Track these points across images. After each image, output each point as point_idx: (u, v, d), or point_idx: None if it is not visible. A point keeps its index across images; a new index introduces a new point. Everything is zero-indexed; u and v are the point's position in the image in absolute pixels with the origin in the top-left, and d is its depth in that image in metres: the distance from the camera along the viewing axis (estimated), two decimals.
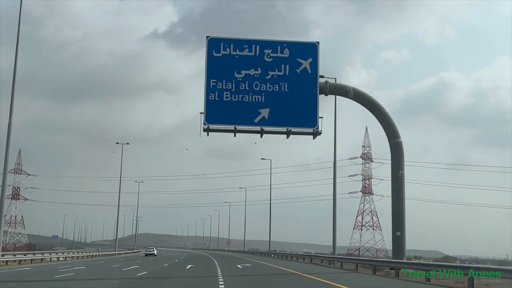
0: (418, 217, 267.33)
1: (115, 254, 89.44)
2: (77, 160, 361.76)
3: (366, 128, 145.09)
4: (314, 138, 32.13)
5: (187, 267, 38.51)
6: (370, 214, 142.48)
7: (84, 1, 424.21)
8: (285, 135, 31.90)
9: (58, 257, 59.03)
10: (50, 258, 55.34)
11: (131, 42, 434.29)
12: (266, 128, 31.49)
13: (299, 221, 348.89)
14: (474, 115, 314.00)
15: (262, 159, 76.94)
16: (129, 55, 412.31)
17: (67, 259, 59.82)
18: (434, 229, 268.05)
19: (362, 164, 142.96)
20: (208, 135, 31.65)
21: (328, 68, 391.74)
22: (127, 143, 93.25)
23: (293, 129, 31.65)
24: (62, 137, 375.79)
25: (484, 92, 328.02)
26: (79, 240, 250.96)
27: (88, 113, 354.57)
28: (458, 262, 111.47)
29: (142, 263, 48.46)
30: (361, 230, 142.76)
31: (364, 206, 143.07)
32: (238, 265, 41.36)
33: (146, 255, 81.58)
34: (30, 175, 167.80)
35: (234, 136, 31.51)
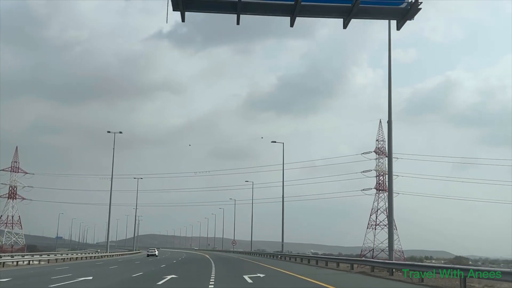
0: (425, 216, 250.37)
1: (104, 256, 73.80)
2: (81, 161, 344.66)
3: (380, 121, 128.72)
4: (399, 27, 14.62)
5: (162, 281, 21.58)
6: (385, 212, 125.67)
7: (88, 1, 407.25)
8: (341, 19, 14.44)
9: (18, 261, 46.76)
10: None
11: (135, 42, 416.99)
12: (304, 2, 13.99)
13: (304, 221, 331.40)
14: (481, 114, 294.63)
15: (273, 142, 60.16)
16: (133, 55, 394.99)
17: (32, 262, 48.01)
18: (440, 229, 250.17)
19: (376, 159, 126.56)
20: (183, 19, 14.43)
21: (335, 67, 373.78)
22: (120, 132, 79.27)
23: (363, 5, 14.02)
24: (67, 137, 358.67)
25: (491, 90, 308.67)
26: (84, 242, 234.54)
27: (93, 114, 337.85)
28: (479, 263, 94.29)
29: (106, 271, 31.87)
30: (375, 229, 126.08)
31: (378, 203, 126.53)
32: (246, 277, 24.23)
33: (148, 255, 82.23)
34: (27, 173, 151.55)
35: (237, 22, 14.20)
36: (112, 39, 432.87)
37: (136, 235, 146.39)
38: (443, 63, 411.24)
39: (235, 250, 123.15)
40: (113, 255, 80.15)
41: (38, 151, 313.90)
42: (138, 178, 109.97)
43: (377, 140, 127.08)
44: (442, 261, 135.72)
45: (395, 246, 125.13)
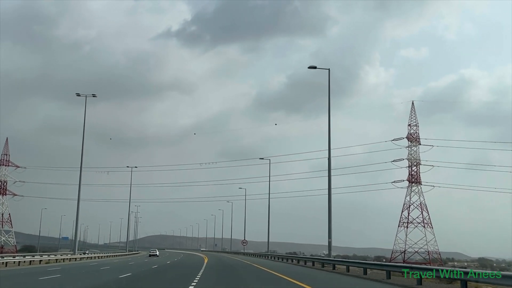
0: (438, 215, 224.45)
1: (67, 259, 52.08)
2: (90, 161, 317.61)
3: (413, 103, 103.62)
4: None
5: None
6: (419, 207, 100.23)
7: (98, 0, 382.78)
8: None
9: None
10: None
11: (144, 42, 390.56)
12: None
13: (315, 220, 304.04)
14: (495, 113, 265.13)
15: (311, 67, 33.85)
16: (143, 54, 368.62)
17: None
18: (453, 229, 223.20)
19: (408, 147, 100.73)
20: None
21: (347, 66, 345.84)
22: (93, 95, 54.90)
23: None
24: (76, 138, 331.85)
25: (506, 89, 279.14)
26: (85, 241, 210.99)
27: (103, 114, 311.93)
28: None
29: None
30: (407, 228, 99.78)
31: (411, 198, 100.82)
32: None
33: (150, 255, 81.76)
34: (19, 167, 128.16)
35: None
36: (121, 38, 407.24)
37: (136, 236, 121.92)
38: (457, 62, 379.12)
39: (245, 251, 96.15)
40: (81, 258, 54.09)
41: (47, 152, 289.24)
42: (132, 167, 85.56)
43: (409, 125, 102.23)
44: (465, 263, 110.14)
45: (431, 247, 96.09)
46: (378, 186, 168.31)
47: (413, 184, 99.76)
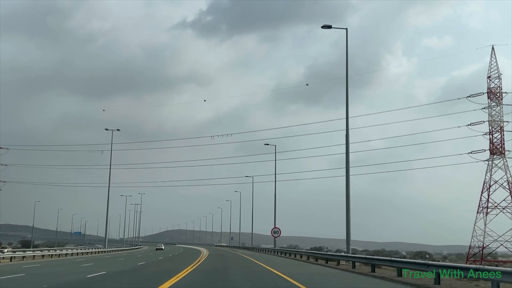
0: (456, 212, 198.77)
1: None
2: (104, 158, 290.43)
3: (493, 48, 74.86)
4: None
5: None
6: (507, 186, 71.33)
7: None
8: None
9: None
10: None
11: (160, 33, 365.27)
12: None
13: (336, 215, 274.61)
14: None
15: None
16: (159, 46, 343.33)
17: None
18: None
19: (487, 107, 71.92)
20: None
21: (368, 55, 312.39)
22: None
23: None
24: (93, 133, 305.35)
25: None
26: (88, 235, 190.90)
27: (120, 108, 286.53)
28: None
29: None
30: (486, 214, 71.11)
31: (491, 174, 72.02)
32: None
33: (157, 249, 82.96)
34: (0, 148, 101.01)
35: None
36: (136, 29, 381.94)
37: (110, 216, 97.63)
38: (481, 50, 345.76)
39: (276, 247, 66.89)
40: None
41: (64, 148, 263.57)
42: (112, 130, 57.29)
43: (488, 77, 73.33)
44: None
45: None
46: (453, 159, 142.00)
47: (495, 156, 70.98)
